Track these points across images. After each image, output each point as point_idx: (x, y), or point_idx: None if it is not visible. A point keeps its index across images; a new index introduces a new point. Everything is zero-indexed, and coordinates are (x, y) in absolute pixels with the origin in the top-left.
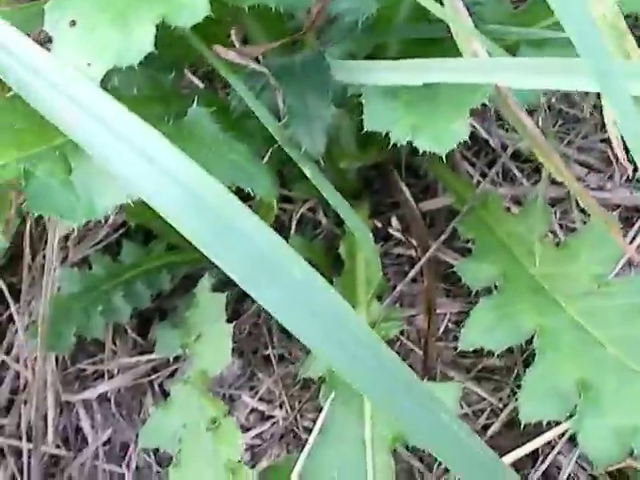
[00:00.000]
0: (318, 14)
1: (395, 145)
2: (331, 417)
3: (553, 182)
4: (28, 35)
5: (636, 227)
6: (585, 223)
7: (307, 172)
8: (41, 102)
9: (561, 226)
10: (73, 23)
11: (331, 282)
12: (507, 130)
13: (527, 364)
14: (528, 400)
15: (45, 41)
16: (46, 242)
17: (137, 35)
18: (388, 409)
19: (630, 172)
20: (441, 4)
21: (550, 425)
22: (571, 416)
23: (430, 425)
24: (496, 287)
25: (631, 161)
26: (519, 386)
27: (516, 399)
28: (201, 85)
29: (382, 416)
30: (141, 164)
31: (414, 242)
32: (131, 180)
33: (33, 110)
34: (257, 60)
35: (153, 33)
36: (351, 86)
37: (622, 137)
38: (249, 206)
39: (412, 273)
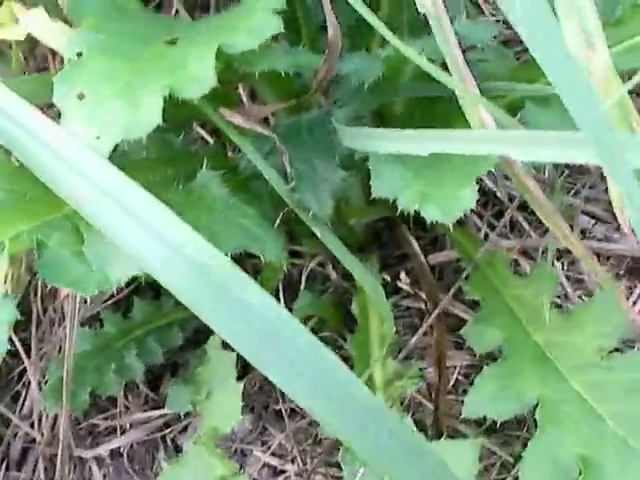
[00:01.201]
0: (325, 75)
1: None
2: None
3: None
4: (37, 106)
5: None
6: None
7: (317, 232)
8: (49, 175)
9: (568, 278)
10: (82, 96)
11: (343, 338)
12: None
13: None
14: (529, 474)
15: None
16: (55, 297)
17: (145, 108)
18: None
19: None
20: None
21: None
22: None
23: None
24: (500, 352)
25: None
26: (527, 442)
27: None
28: (210, 140)
29: None
30: (148, 239)
31: (423, 295)
32: (138, 254)
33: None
34: (265, 120)
35: (161, 105)
36: (358, 151)
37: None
38: (258, 263)
39: (424, 327)
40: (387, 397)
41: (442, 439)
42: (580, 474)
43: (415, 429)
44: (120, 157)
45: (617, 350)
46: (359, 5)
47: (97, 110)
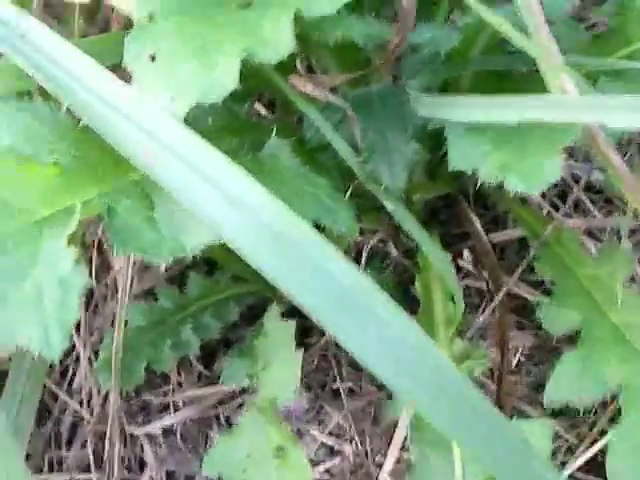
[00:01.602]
0: (398, 44)
1: (463, 175)
2: (419, 459)
3: (625, 213)
4: (107, 67)
5: None
6: None
7: (388, 206)
8: (120, 139)
9: (637, 259)
10: (153, 58)
11: None
12: (576, 160)
13: (604, 399)
14: (616, 459)
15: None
16: (108, 272)
17: (221, 70)
18: (478, 455)
19: None
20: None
21: None
22: None
23: (522, 472)
24: (577, 334)
25: None
26: (594, 424)
27: (597, 439)
28: (265, 113)
29: (474, 463)
30: (224, 204)
31: (485, 275)
32: (214, 221)
33: (108, 143)
34: (333, 90)
35: (238, 68)
36: (432, 121)
37: None
38: None
39: (490, 308)
40: None
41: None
42: None
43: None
44: (186, 123)
45: None
46: None
47: (170, 72)
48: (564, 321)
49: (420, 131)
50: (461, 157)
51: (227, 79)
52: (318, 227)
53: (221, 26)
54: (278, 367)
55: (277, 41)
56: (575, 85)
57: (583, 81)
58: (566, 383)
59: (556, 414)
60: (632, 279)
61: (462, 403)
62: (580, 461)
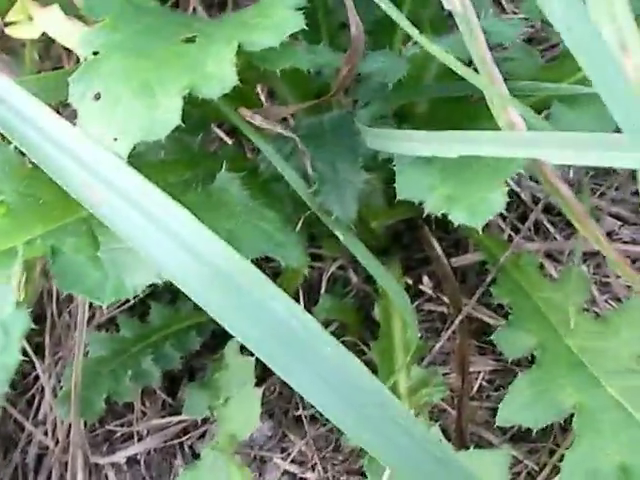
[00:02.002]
0: (348, 74)
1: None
2: None
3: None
4: (51, 105)
5: None
6: (619, 277)
7: (339, 236)
8: (65, 177)
9: (594, 281)
10: (98, 96)
11: (364, 343)
12: (537, 182)
13: (563, 426)
14: None
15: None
16: (70, 301)
17: (164, 108)
18: None
19: None
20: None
21: None
22: None
23: None
24: (533, 357)
25: None
26: (556, 447)
27: (553, 465)
28: (228, 140)
29: None
30: (168, 244)
31: (446, 299)
32: (158, 260)
33: (55, 182)
34: (285, 119)
35: (180, 105)
36: (382, 152)
37: None
38: (277, 266)
39: (448, 332)
40: (412, 405)
41: (467, 447)
42: None
43: (442, 438)
44: (137, 158)
45: None
46: (384, 2)
47: (114, 111)
48: (520, 344)
49: (371, 160)
50: (409, 188)
51: (170, 117)
52: (272, 259)
53: (165, 62)
54: (238, 403)
55: (220, 76)
56: (521, 116)
57: (529, 112)
58: (519, 405)
59: (516, 440)
60: (592, 302)
61: (407, 440)
62: None
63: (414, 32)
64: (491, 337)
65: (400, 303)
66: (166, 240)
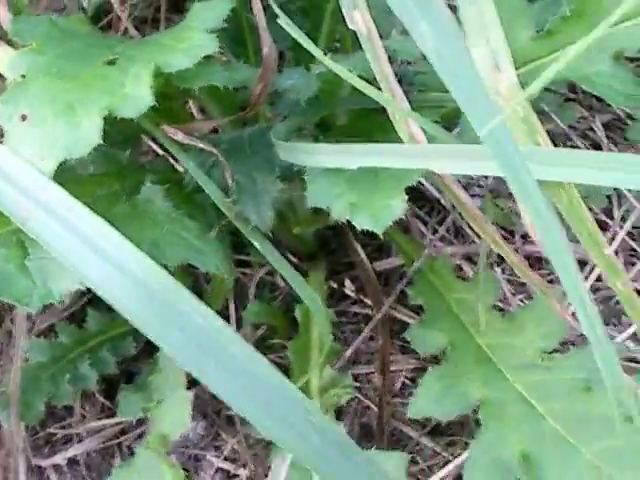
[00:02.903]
0: (261, 91)
1: None
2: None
3: None
4: None
5: None
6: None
7: (257, 245)
8: None
9: (510, 282)
10: (24, 117)
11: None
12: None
13: (478, 420)
14: (473, 471)
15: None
16: (11, 310)
17: (84, 128)
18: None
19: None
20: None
21: None
22: None
23: None
24: (444, 354)
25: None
26: (472, 439)
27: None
28: (159, 150)
29: None
30: (90, 255)
31: (369, 302)
32: (81, 270)
33: None
34: (216, 131)
35: (100, 125)
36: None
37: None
38: (206, 275)
39: (365, 332)
40: (322, 404)
41: (387, 442)
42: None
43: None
44: (66, 172)
45: (556, 351)
46: (292, 29)
47: (39, 131)
48: (432, 342)
49: (288, 171)
50: (318, 196)
51: (91, 136)
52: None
53: (86, 84)
54: (171, 404)
55: (137, 97)
56: (421, 128)
57: (429, 123)
58: (429, 398)
59: (434, 433)
60: (506, 302)
61: (314, 432)
62: (453, 476)
63: (317, 52)
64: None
65: (315, 310)
66: (88, 252)
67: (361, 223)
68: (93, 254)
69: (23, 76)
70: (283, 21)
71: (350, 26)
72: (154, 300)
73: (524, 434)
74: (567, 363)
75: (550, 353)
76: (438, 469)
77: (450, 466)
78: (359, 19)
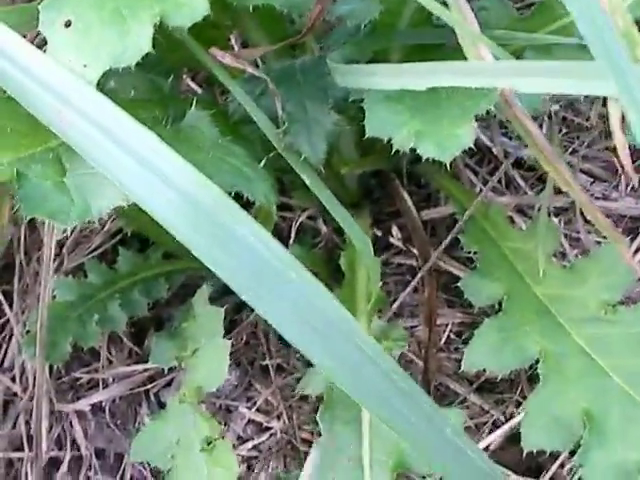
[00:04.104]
0: (317, 16)
1: (397, 152)
2: (330, 437)
3: (557, 191)
4: (24, 36)
5: None
6: (589, 233)
7: (306, 180)
8: (35, 104)
9: (565, 236)
10: (68, 23)
11: (332, 291)
12: (510, 138)
13: (530, 377)
14: (531, 429)
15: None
16: (39, 249)
17: (134, 35)
18: (390, 423)
19: (636, 182)
20: (446, 7)
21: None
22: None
23: (435, 440)
24: (500, 305)
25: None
26: (523, 399)
27: (519, 413)
28: (199, 90)
29: (382, 441)
30: (137, 168)
31: (415, 252)
32: (126, 184)
33: (28, 111)
34: (256, 64)
35: (151, 33)
36: (353, 91)
37: (630, 146)
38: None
39: (413, 284)
40: None
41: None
42: (583, 428)
43: None
44: (108, 94)
45: (620, 304)
46: None
47: (84, 37)
48: (487, 292)
49: (342, 102)
50: (378, 125)
51: (141, 44)
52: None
53: None
54: (207, 354)
55: (191, 4)
56: (492, 53)
57: (500, 50)
58: (485, 350)
59: (483, 391)
60: (563, 255)
61: (375, 372)
62: (504, 435)
63: None
64: (461, 290)
65: (365, 253)
66: (134, 164)
67: (426, 152)
68: (140, 167)
69: None
70: None
71: None
72: (206, 218)
73: (586, 390)
74: (632, 316)
75: (613, 306)
76: (487, 427)
77: (505, 427)
78: None
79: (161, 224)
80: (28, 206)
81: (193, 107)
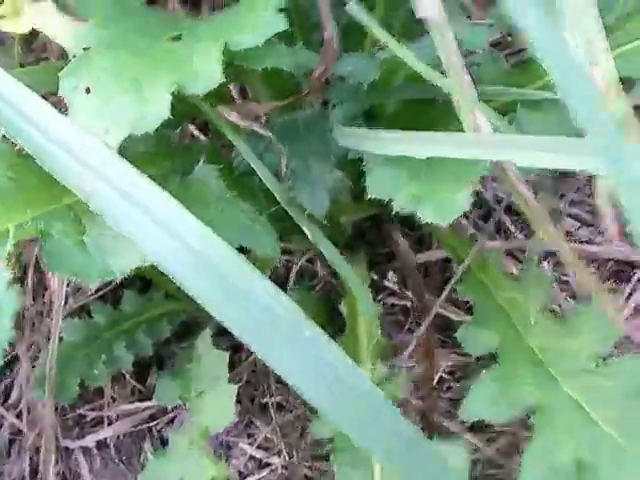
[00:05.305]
0: (321, 75)
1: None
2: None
3: None
4: (44, 95)
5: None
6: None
7: (307, 232)
8: (56, 166)
9: (555, 279)
10: (88, 90)
11: (330, 336)
12: (500, 182)
13: (521, 418)
14: (527, 478)
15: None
16: (45, 288)
17: (152, 103)
18: (396, 469)
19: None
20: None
21: None
22: None
23: None
24: (495, 355)
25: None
26: (512, 435)
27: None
28: (201, 136)
29: None
30: (156, 230)
31: (409, 294)
32: (143, 244)
33: (39, 166)
34: (258, 118)
35: (169, 100)
36: (353, 150)
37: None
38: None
39: (418, 329)
40: None
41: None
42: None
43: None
44: (118, 150)
45: (610, 356)
46: (355, 9)
47: (105, 104)
48: (483, 342)
49: (343, 158)
50: (378, 187)
51: (159, 111)
52: (245, 250)
53: (153, 59)
54: (213, 396)
55: (207, 73)
56: (487, 120)
57: (495, 115)
58: (482, 401)
59: (475, 429)
60: (552, 299)
61: (382, 422)
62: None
63: (387, 37)
64: (453, 331)
65: (361, 299)
66: (152, 226)
67: (425, 216)
68: (159, 229)
69: (85, 49)
70: (353, 8)
71: (419, 14)
72: (221, 278)
73: (578, 440)
74: (621, 368)
75: (604, 359)
76: (479, 465)
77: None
78: (429, 6)
79: (180, 285)
80: (52, 264)
81: (202, 161)
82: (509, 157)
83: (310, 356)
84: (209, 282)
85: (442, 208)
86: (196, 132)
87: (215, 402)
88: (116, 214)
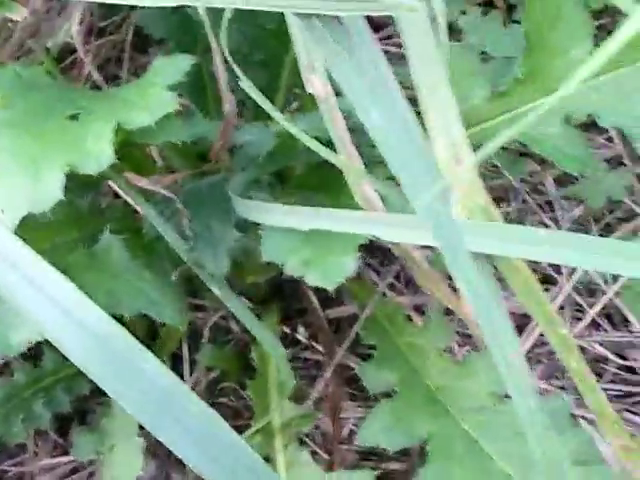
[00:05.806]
0: (221, 147)
1: None
2: None
3: None
4: None
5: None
6: None
7: (214, 290)
8: None
9: (457, 333)
10: None
11: (244, 388)
12: None
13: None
14: None
15: None
16: None
17: (47, 182)
18: None
19: None
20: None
21: None
22: None
23: None
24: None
25: None
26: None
27: None
28: (119, 192)
29: None
30: (48, 308)
31: (320, 348)
32: (38, 322)
33: None
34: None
35: (62, 180)
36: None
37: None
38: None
39: (321, 383)
40: (285, 438)
41: None
42: None
43: None
44: (26, 220)
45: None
46: (247, 85)
47: (1, 184)
48: (382, 380)
49: (244, 221)
50: (272, 251)
51: (53, 191)
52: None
53: (49, 139)
54: (123, 451)
55: (98, 154)
56: (375, 190)
57: (383, 185)
58: (378, 428)
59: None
60: (451, 351)
61: None
62: None
63: (274, 113)
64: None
65: (273, 352)
66: (46, 305)
67: (313, 280)
68: (52, 307)
69: None
70: (245, 84)
71: (308, 89)
72: (111, 355)
73: (470, 471)
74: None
75: (500, 397)
76: None
77: None
78: (317, 83)
79: (70, 360)
80: None
81: (107, 231)
82: (371, 232)
83: (197, 431)
84: (100, 359)
85: (329, 272)
86: (118, 190)
87: (124, 456)
88: (10, 291)
